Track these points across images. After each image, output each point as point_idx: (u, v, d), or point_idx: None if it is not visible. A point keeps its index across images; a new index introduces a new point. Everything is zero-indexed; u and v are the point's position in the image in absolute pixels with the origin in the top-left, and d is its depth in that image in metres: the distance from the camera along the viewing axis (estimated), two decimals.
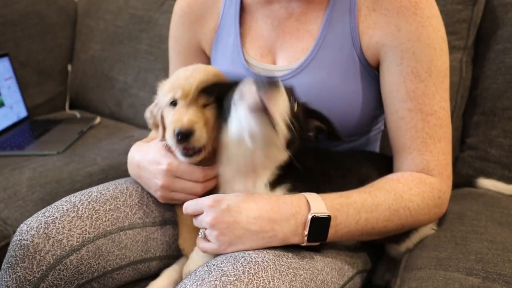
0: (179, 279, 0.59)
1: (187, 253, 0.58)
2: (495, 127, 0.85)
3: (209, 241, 0.51)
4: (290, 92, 0.52)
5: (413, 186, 0.56)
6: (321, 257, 0.55)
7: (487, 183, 0.81)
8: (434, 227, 0.64)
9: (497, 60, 0.87)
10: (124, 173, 0.88)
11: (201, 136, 0.53)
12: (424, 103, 0.56)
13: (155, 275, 0.63)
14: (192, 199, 0.54)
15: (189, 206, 0.54)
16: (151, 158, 0.59)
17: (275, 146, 0.51)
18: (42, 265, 0.52)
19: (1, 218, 0.81)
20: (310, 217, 0.50)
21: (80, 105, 1.51)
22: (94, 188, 0.62)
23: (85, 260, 0.55)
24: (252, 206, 0.51)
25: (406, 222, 0.56)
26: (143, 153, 0.62)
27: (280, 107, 0.48)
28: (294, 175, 0.56)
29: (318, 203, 0.52)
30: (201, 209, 0.52)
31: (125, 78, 1.36)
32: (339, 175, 0.60)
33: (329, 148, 0.66)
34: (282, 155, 0.54)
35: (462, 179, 0.84)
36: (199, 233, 0.54)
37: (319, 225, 0.51)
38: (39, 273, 0.52)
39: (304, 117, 0.54)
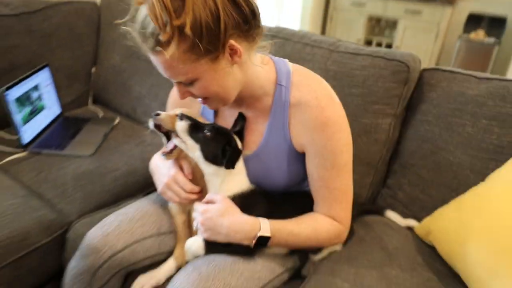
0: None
1: (179, 264, 0.95)
2: (404, 177, 1.20)
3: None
4: (195, 122, 0.85)
5: (324, 226, 0.90)
6: (261, 261, 0.91)
7: (391, 215, 1.18)
8: (339, 247, 1.02)
9: (416, 127, 1.21)
10: (139, 178, 1.25)
11: (163, 119, 0.86)
12: (329, 183, 0.89)
13: (162, 261, 1.00)
14: (178, 200, 0.90)
15: (195, 211, 0.88)
16: (164, 168, 0.94)
17: (197, 156, 0.85)
18: (102, 258, 0.89)
19: (57, 210, 1.16)
20: (258, 235, 0.84)
21: (101, 102, 1.83)
22: (131, 209, 0.98)
23: (125, 257, 0.92)
24: (226, 220, 0.83)
25: (316, 245, 0.93)
26: (159, 163, 0.96)
27: (181, 126, 0.84)
28: (255, 202, 0.91)
29: (266, 228, 0.86)
30: (197, 211, 0.87)
31: (140, 88, 1.68)
32: (281, 207, 0.95)
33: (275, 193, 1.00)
34: (206, 167, 0.86)
35: (377, 208, 1.21)
36: (194, 226, 0.90)
37: (263, 239, 0.85)
38: (100, 262, 0.89)
39: (212, 136, 0.85)
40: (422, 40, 4.27)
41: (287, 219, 0.89)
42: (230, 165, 0.86)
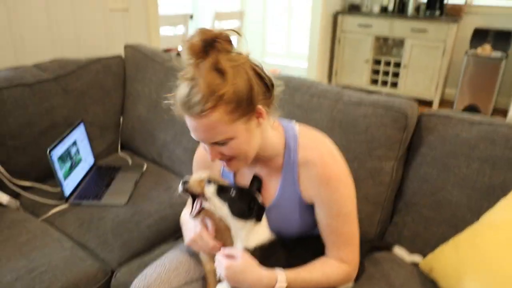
0: None
1: None
2: (408, 215, 1.33)
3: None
4: (221, 184, 1.00)
5: (334, 270, 1.03)
6: None
7: (398, 251, 1.29)
8: (351, 284, 1.14)
9: (416, 168, 1.34)
10: (170, 224, 1.40)
11: (192, 186, 1.01)
12: (337, 229, 1.02)
13: None
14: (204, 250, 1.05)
15: (218, 263, 1.01)
16: (191, 224, 1.08)
17: (225, 213, 0.99)
18: None
19: (100, 259, 1.32)
20: (276, 286, 0.97)
21: (129, 149, 2.01)
22: (166, 260, 1.12)
23: None
24: (247, 276, 0.97)
25: (328, 287, 1.04)
26: (187, 218, 1.10)
27: (209, 191, 0.98)
28: (272, 252, 1.05)
29: (282, 279, 0.98)
30: (221, 266, 1.00)
31: (165, 136, 1.85)
32: (296, 251, 1.09)
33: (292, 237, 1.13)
34: (233, 222, 1.00)
35: (385, 245, 1.33)
36: (217, 274, 1.04)
37: None
38: None
39: (238, 196, 0.99)
40: (430, 58, 4.37)
41: (301, 267, 1.02)
42: (259, 218, 1.01)
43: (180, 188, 1.03)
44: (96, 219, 1.46)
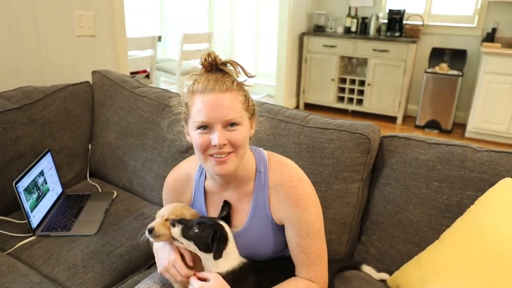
0: None
1: None
2: (374, 233, 1.38)
3: None
4: (185, 223, 1.03)
5: None
6: None
7: (366, 269, 1.34)
8: None
9: (380, 189, 1.40)
10: (142, 252, 1.40)
11: (158, 231, 1.04)
12: (306, 248, 1.06)
13: None
14: (175, 281, 1.06)
15: (191, 287, 1.02)
16: (165, 252, 1.07)
17: (193, 248, 1.02)
18: None
19: None
20: None
21: (98, 176, 1.99)
22: None
23: None
24: None
25: None
26: (160, 245, 1.10)
27: (175, 232, 1.01)
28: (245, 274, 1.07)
29: None
30: (193, 286, 1.02)
31: (135, 163, 1.84)
32: (267, 274, 1.11)
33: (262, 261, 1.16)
34: (202, 254, 1.03)
35: (354, 264, 1.38)
36: None
37: None
38: None
39: (201, 231, 1.01)
40: (392, 75, 4.57)
41: None
42: (218, 255, 1.02)
43: (147, 236, 1.06)
44: (65, 250, 1.44)
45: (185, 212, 1.10)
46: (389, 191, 1.37)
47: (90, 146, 1.99)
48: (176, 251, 1.09)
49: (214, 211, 1.15)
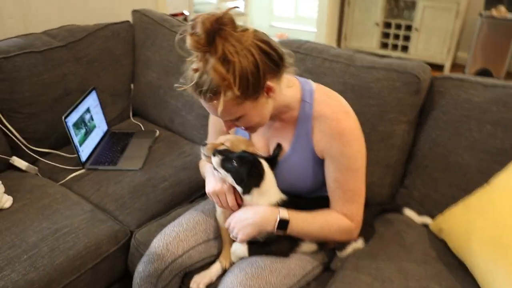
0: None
1: (224, 266, 1.13)
2: (418, 177, 1.35)
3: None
4: (225, 153, 1.04)
5: (335, 219, 1.06)
6: (294, 260, 1.09)
7: (408, 212, 1.33)
8: (361, 244, 1.18)
9: (428, 132, 1.34)
10: (184, 188, 1.45)
11: (209, 148, 1.08)
12: (343, 184, 1.05)
13: (212, 262, 1.19)
14: (220, 206, 1.10)
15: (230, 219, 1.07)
16: (216, 177, 1.09)
17: (231, 181, 1.03)
18: (165, 263, 1.09)
19: (120, 221, 1.37)
20: (278, 218, 1.01)
21: (140, 115, 2.03)
22: (184, 220, 1.17)
23: (183, 261, 1.11)
24: (249, 212, 1.02)
25: (329, 236, 1.08)
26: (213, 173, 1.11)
27: (215, 161, 1.03)
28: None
29: (284, 213, 1.02)
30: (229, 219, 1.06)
31: (176, 102, 1.86)
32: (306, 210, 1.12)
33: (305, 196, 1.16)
34: (239, 188, 1.03)
35: (395, 206, 1.36)
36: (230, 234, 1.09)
37: (282, 223, 1.02)
38: (164, 266, 1.09)
39: (239, 163, 1.01)
40: (442, 20, 4.26)
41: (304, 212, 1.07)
42: (247, 190, 1.03)
43: (201, 149, 1.11)
44: (113, 183, 1.51)
45: (242, 146, 1.11)
46: (437, 134, 1.32)
47: (132, 85, 2.01)
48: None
49: (256, 137, 1.16)
